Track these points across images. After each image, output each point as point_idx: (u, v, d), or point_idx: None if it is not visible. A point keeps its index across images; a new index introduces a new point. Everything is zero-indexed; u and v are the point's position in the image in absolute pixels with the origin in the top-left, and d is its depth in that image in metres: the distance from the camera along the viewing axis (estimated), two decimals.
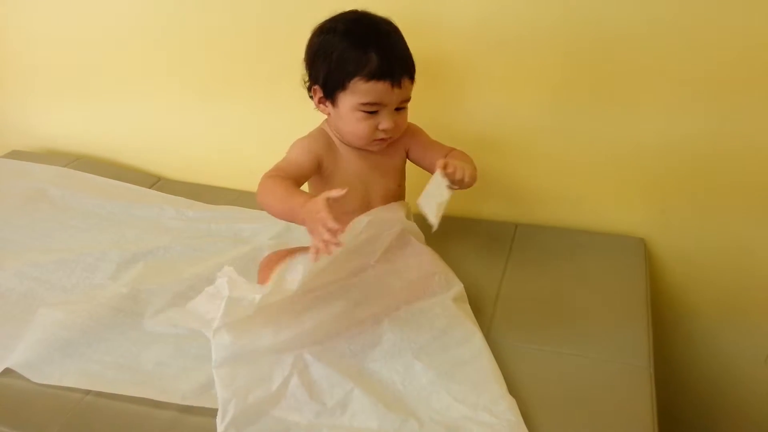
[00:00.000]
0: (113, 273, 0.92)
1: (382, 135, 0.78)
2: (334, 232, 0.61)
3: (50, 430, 0.69)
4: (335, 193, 0.64)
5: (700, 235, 0.99)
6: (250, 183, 1.15)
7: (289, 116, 0.97)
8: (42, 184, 1.15)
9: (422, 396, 0.70)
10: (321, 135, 0.83)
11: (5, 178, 1.19)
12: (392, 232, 0.79)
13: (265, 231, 1.02)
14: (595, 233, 1.01)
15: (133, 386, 0.73)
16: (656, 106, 0.91)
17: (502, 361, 0.74)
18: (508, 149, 1.01)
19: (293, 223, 0.92)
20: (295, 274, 0.71)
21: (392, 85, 0.74)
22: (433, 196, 0.71)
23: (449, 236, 1.00)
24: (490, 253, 0.98)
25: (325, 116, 0.83)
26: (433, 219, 0.69)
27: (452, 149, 0.86)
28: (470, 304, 0.82)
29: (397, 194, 0.87)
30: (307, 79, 0.81)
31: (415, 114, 0.84)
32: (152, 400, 0.71)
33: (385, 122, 0.77)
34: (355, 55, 0.74)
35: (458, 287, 0.82)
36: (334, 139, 0.82)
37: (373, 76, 0.73)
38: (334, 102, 0.78)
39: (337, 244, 0.61)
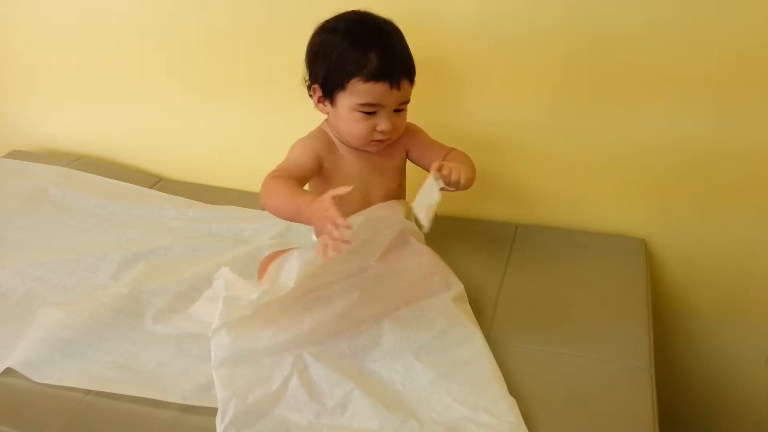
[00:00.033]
0: (114, 273, 0.92)
1: (379, 136, 0.78)
2: (343, 229, 0.61)
3: (51, 429, 0.69)
4: (341, 190, 0.64)
5: (700, 235, 0.99)
6: (251, 183, 1.17)
7: (289, 116, 0.97)
8: (43, 184, 1.15)
9: (422, 396, 0.70)
10: (321, 135, 0.83)
11: (6, 178, 1.19)
12: (391, 232, 0.79)
13: (265, 231, 1.02)
14: (596, 233, 1.01)
15: (133, 386, 0.73)
16: (656, 106, 0.91)
17: (502, 362, 0.74)
18: (508, 149, 1.01)
19: (294, 223, 0.93)
20: (290, 272, 0.71)
21: (391, 87, 0.74)
22: (425, 198, 0.71)
23: (450, 236, 1.00)
24: (491, 253, 0.98)
25: (325, 116, 0.83)
26: (424, 221, 0.69)
27: (452, 149, 0.86)
28: (471, 305, 0.82)
29: (398, 194, 0.87)
30: (307, 77, 0.81)
31: (415, 114, 0.84)
32: (153, 400, 0.71)
33: (383, 123, 0.77)
34: (354, 55, 0.73)
35: (458, 287, 0.82)
36: (334, 139, 0.83)
37: (372, 76, 0.73)
38: (332, 101, 0.78)
39: (347, 241, 0.61)
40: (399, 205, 0.83)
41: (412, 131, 0.86)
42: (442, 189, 0.72)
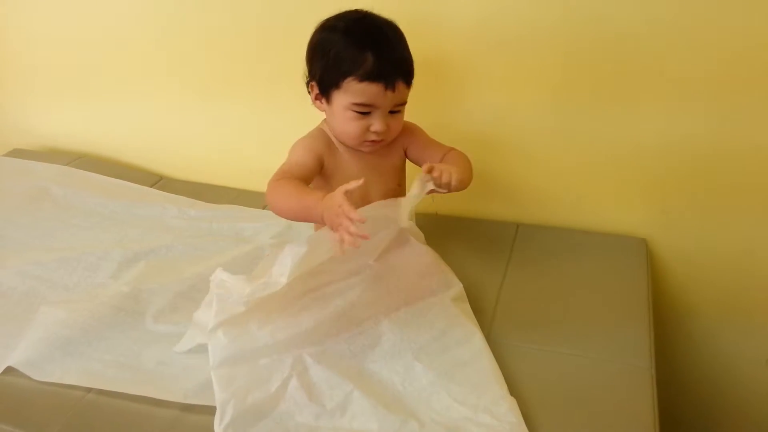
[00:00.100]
0: (115, 272, 0.92)
1: (373, 137, 0.78)
2: (358, 224, 0.61)
3: (51, 428, 0.69)
4: (353, 185, 0.64)
5: (701, 235, 0.98)
6: (251, 182, 1.17)
7: (289, 116, 0.97)
8: (44, 183, 1.15)
9: (422, 397, 0.69)
10: (320, 135, 0.83)
11: (7, 177, 1.19)
12: (390, 232, 0.79)
13: (266, 230, 1.02)
14: (597, 233, 1.01)
15: (134, 385, 0.73)
16: (656, 106, 0.91)
17: (502, 361, 0.74)
18: (508, 149, 1.01)
19: (295, 222, 0.93)
20: (282, 267, 0.70)
21: (386, 88, 0.74)
22: (409, 198, 0.70)
23: (450, 236, 1.00)
24: (491, 253, 0.98)
25: (324, 116, 0.83)
26: (403, 220, 0.69)
27: (451, 149, 0.85)
28: (471, 305, 0.82)
29: (397, 193, 0.87)
30: (307, 74, 0.81)
31: (415, 114, 0.84)
32: (153, 399, 0.71)
33: (376, 124, 0.76)
34: (351, 55, 0.73)
35: (458, 287, 0.82)
36: (333, 138, 0.83)
37: (367, 77, 0.73)
38: (328, 99, 0.78)
39: (364, 236, 0.61)
40: (395, 204, 0.83)
41: (410, 130, 0.86)
42: (431, 191, 0.72)
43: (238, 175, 1.19)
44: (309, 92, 0.81)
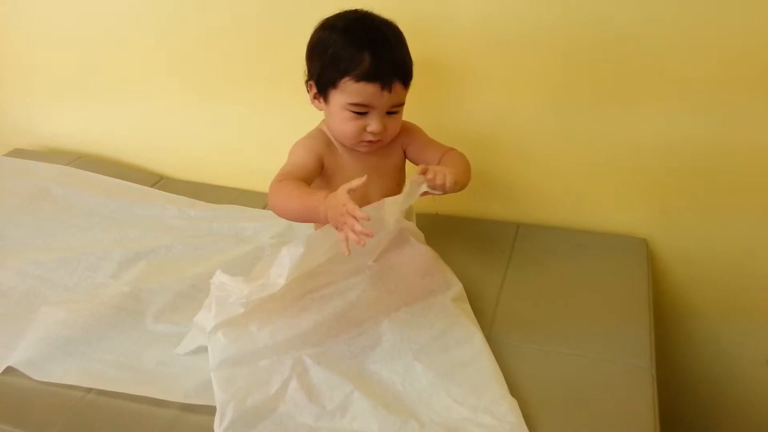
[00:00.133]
0: (115, 272, 0.92)
1: (369, 137, 0.77)
2: (363, 221, 0.61)
3: (52, 428, 0.69)
4: (356, 183, 0.64)
5: (701, 235, 0.98)
6: (251, 182, 1.17)
7: (289, 116, 0.97)
8: (44, 183, 1.15)
9: (423, 397, 0.69)
10: (320, 135, 0.83)
11: (7, 177, 1.19)
12: (389, 232, 0.79)
13: (266, 230, 1.02)
14: (597, 233, 1.01)
15: (134, 385, 0.73)
16: (656, 106, 0.91)
17: (503, 361, 0.74)
18: (508, 149, 1.01)
19: (295, 222, 0.93)
20: (280, 268, 0.70)
21: (382, 89, 0.73)
22: (397, 200, 0.70)
23: (450, 236, 1.00)
24: (492, 253, 0.98)
25: (324, 116, 0.83)
26: (390, 221, 0.67)
27: (450, 149, 0.85)
28: (471, 305, 0.82)
29: (397, 194, 0.87)
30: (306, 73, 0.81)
31: (415, 114, 0.84)
32: (153, 399, 0.71)
33: (373, 124, 0.76)
34: (348, 54, 0.73)
35: (457, 287, 0.82)
36: (332, 138, 0.83)
37: (364, 77, 0.73)
38: (326, 99, 0.78)
39: (370, 234, 0.61)
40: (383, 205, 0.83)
41: (409, 130, 0.85)
42: (425, 193, 0.71)
43: (238, 175, 1.19)
44: (308, 91, 0.81)
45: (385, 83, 0.73)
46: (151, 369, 0.76)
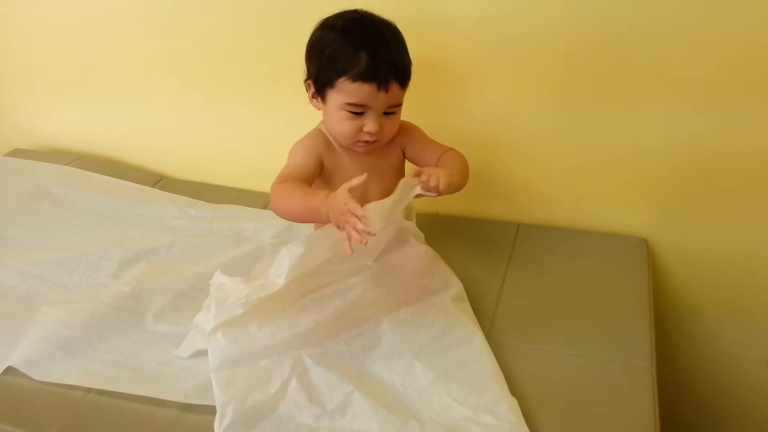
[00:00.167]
0: (115, 272, 0.92)
1: (366, 137, 0.77)
2: (365, 220, 0.61)
3: (52, 428, 0.69)
4: (356, 181, 0.64)
5: (701, 235, 0.98)
6: (251, 182, 1.17)
7: (289, 116, 0.97)
8: (45, 183, 1.15)
9: (423, 397, 0.69)
10: (319, 135, 0.83)
11: (8, 177, 1.19)
12: (388, 232, 0.79)
13: (266, 230, 1.02)
14: (597, 233, 1.01)
15: (134, 385, 0.73)
16: (656, 106, 0.91)
17: (503, 361, 0.74)
18: (508, 149, 1.01)
19: (295, 222, 0.93)
20: (279, 268, 0.70)
21: (378, 89, 0.73)
22: (387, 202, 0.69)
23: (450, 236, 1.00)
24: (492, 253, 0.98)
25: (323, 116, 0.83)
26: (376, 224, 0.66)
27: (449, 149, 0.85)
28: (471, 304, 0.82)
29: None
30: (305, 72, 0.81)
31: (415, 114, 0.84)
32: (154, 399, 0.71)
33: (369, 125, 0.76)
34: (345, 54, 0.73)
35: (457, 287, 0.82)
36: (331, 139, 0.83)
37: (360, 77, 0.73)
38: (323, 98, 0.78)
39: (370, 233, 0.61)
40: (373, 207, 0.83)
41: (408, 130, 0.85)
42: (419, 195, 0.71)
43: (239, 175, 1.19)
44: (306, 90, 0.81)
45: (382, 83, 0.73)
46: (152, 369, 0.76)
